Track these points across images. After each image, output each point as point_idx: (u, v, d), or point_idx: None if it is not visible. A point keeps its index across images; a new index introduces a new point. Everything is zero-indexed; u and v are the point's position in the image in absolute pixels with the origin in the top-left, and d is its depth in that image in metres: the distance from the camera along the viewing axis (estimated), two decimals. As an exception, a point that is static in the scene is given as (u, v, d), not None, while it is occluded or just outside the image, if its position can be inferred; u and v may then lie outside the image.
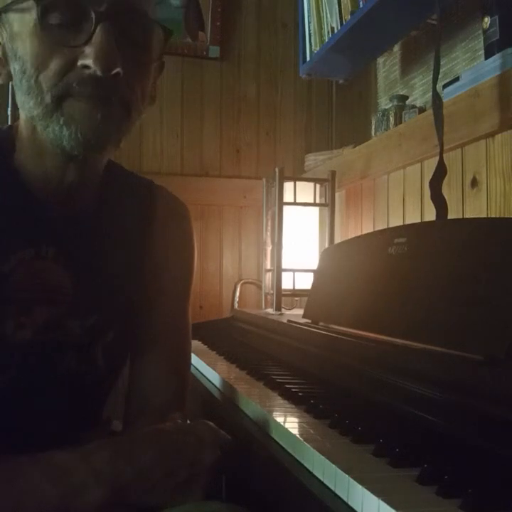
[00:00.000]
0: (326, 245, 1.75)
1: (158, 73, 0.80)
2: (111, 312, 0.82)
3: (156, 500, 0.66)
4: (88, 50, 0.65)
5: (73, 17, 0.66)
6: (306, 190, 1.81)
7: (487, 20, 1.23)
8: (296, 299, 1.90)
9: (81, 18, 0.66)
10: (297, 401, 0.83)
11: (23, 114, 0.74)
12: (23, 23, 0.67)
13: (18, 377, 0.74)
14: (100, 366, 0.81)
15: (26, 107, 0.70)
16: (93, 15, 0.65)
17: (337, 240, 1.80)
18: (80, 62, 0.66)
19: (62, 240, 0.77)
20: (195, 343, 1.54)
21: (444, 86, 1.35)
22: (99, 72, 0.65)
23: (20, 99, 0.71)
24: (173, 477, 0.66)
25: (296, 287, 1.77)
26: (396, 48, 1.91)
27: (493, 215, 1.21)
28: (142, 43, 0.71)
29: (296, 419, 0.76)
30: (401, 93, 1.82)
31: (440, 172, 1.19)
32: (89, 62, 0.65)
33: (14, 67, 0.69)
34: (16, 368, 0.74)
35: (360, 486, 0.52)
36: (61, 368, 0.77)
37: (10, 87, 2.01)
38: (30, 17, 0.66)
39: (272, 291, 1.76)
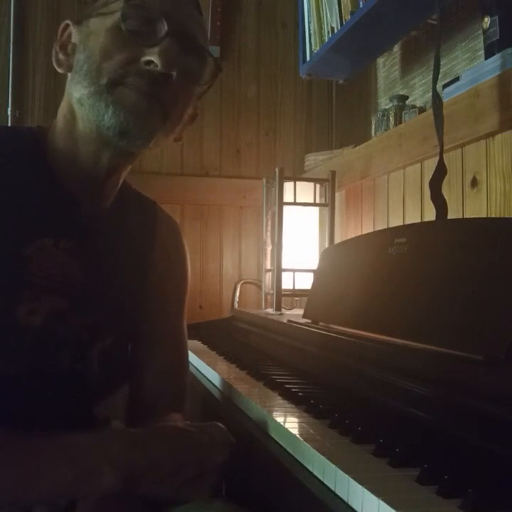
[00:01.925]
0: (326, 245, 1.75)
1: (189, 120, 0.86)
2: (112, 315, 0.84)
3: (164, 494, 0.68)
4: (154, 49, 0.74)
5: (150, 25, 0.75)
6: (306, 190, 1.81)
7: (487, 20, 1.23)
8: (296, 299, 1.90)
9: (156, 27, 0.75)
10: (297, 401, 0.83)
11: (65, 104, 0.80)
12: (102, 24, 0.76)
13: (21, 367, 0.75)
14: (95, 370, 0.82)
15: (78, 87, 0.76)
16: (166, 27, 0.74)
17: (337, 240, 1.80)
18: (143, 58, 0.74)
19: (80, 236, 0.81)
20: (196, 343, 1.54)
21: (444, 86, 1.35)
22: (159, 67, 0.73)
23: (74, 82, 0.77)
24: (183, 472, 0.68)
25: (296, 287, 1.77)
26: (396, 48, 1.91)
27: (493, 215, 1.21)
28: (194, 68, 0.79)
29: (296, 419, 0.76)
30: (401, 93, 1.81)
31: (440, 172, 1.18)
32: (154, 57, 0.73)
33: (79, 58, 0.77)
34: (27, 354, 0.75)
35: (360, 486, 0.52)
36: (59, 364, 0.78)
37: (10, 86, 2.02)
38: (110, 20, 0.75)
39: (271, 291, 1.76)
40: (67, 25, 0.81)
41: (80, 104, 0.77)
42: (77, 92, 0.77)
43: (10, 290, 0.74)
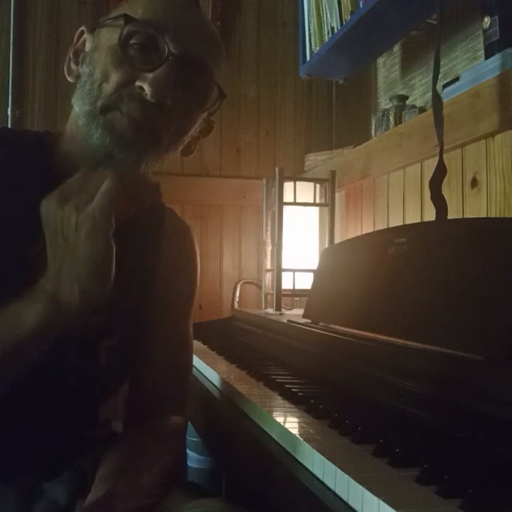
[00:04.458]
0: (326, 245, 1.75)
1: (204, 134, 0.88)
2: (119, 313, 0.84)
3: None
4: (149, 75, 0.73)
5: (149, 47, 0.74)
6: (306, 190, 1.81)
7: (487, 20, 1.23)
8: (296, 299, 1.90)
9: (155, 50, 0.74)
10: (297, 401, 0.83)
11: (73, 112, 0.81)
12: (107, 39, 0.76)
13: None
14: (103, 368, 0.82)
15: (79, 103, 0.77)
16: (166, 52, 0.73)
17: (337, 240, 1.80)
18: (137, 83, 0.73)
19: None
20: (196, 343, 1.53)
21: (444, 86, 1.35)
22: (149, 96, 0.73)
23: (77, 96, 0.78)
24: None
25: (296, 287, 1.77)
26: (396, 48, 1.91)
27: (493, 215, 1.21)
28: (196, 93, 0.78)
29: (296, 419, 0.76)
30: (401, 93, 1.82)
31: (440, 172, 1.18)
32: (145, 84, 0.73)
33: (84, 70, 0.78)
34: None
35: (360, 486, 0.52)
36: (63, 362, 0.78)
37: (10, 86, 2.02)
38: (114, 37, 0.75)
39: (271, 291, 1.76)
40: (83, 32, 0.81)
41: (77, 118, 0.78)
42: (77, 106, 0.78)
43: (15, 291, 0.74)
